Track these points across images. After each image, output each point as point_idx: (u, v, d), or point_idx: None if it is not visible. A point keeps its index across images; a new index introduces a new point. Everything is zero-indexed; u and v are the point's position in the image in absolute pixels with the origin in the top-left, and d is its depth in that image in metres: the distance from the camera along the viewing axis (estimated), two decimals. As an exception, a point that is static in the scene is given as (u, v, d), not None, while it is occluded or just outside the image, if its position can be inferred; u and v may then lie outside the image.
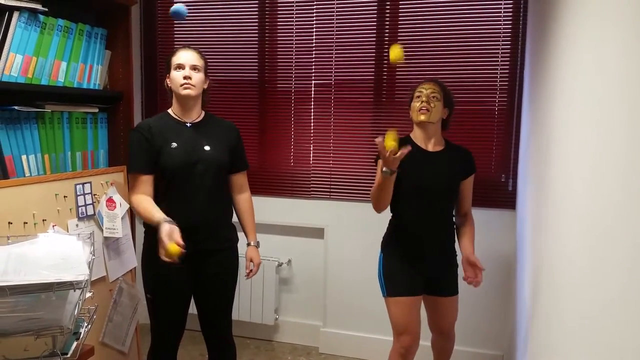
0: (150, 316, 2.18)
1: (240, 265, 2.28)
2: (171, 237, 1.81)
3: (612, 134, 0.90)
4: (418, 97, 2.15)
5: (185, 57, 2.08)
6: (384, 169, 1.95)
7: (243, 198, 2.30)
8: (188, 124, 2.13)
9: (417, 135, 2.22)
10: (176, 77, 2.06)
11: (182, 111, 2.14)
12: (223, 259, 2.20)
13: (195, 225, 2.07)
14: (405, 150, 1.88)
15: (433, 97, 2.11)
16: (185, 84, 2.05)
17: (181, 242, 1.81)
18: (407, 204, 2.17)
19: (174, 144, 2.07)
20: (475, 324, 2.90)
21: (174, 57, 2.09)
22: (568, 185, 1.26)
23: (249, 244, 2.30)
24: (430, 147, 2.20)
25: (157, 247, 1.86)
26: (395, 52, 1.91)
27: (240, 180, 2.28)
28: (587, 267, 1.02)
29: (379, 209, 2.14)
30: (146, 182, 2.07)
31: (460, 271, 2.22)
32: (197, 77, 2.08)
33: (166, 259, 1.82)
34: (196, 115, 2.16)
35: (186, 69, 2.06)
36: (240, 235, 2.30)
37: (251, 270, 2.28)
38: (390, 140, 1.88)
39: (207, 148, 2.11)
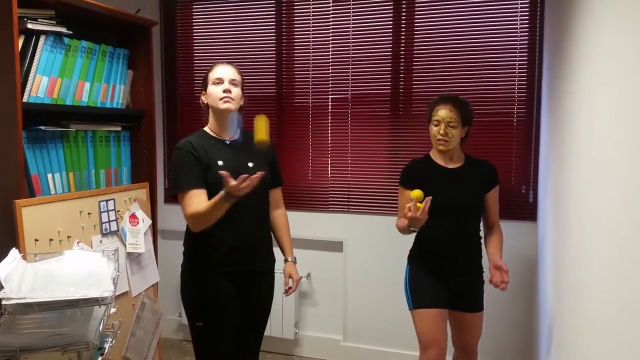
0: (201, 347, 2.04)
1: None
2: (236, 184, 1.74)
3: (637, 142, 0.89)
4: (436, 124, 2.15)
5: (224, 71, 2.02)
6: (411, 227, 2.07)
7: (279, 214, 2.24)
8: (227, 141, 2.06)
9: (436, 154, 2.23)
10: (215, 91, 2.00)
11: (220, 128, 2.05)
12: (263, 284, 2.14)
13: (242, 245, 2.02)
14: (427, 207, 2.00)
15: (451, 126, 2.12)
16: (225, 97, 1.98)
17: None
18: (431, 221, 2.16)
19: (220, 163, 1.98)
20: (497, 337, 2.86)
21: (212, 72, 2.03)
22: (591, 194, 1.25)
23: (286, 260, 2.23)
24: (451, 165, 2.21)
25: (202, 271, 1.82)
26: None
27: (276, 195, 2.22)
28: (612, 274, 1.01)
29: None
30: (200, 194, 1.92)
31: (487, 286, 2.19)
32: (236, 92, 2.02)
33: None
34: (234, 131, 2.10)
35: (225, 82, 2.00)
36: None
37: (290, 287, 2.19)
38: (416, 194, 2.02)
39: (250, 165, 2.03)
